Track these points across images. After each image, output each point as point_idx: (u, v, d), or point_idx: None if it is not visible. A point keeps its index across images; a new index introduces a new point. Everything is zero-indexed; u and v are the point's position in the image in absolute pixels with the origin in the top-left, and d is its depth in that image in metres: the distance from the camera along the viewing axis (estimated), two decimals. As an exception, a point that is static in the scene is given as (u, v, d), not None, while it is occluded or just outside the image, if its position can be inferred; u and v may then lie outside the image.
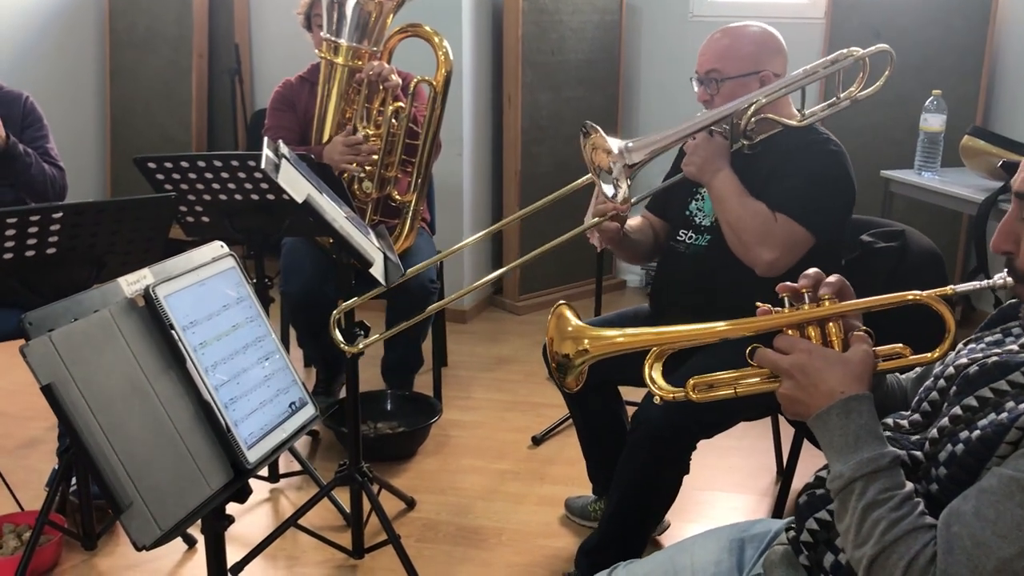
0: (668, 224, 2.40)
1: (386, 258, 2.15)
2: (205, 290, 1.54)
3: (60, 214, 2.09)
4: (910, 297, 1.30)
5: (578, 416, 2.54)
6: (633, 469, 2.12)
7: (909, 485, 1.19)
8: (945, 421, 1.24)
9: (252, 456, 1.49)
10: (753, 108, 2.06)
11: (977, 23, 3.79)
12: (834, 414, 1.23)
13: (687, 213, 2.32)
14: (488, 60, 4.21)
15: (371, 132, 2.91)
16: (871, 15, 3.93)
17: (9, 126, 2.71)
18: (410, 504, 2.71)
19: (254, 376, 1.57)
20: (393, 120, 2.90)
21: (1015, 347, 1.27)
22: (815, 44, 4.03)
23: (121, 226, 2.20)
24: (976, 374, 1.24)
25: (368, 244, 2.12)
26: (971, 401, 1.21)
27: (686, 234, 2.30)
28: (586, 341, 1.40)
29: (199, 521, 1.54)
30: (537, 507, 2.73)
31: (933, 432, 1.26)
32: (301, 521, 2.44)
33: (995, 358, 1.24)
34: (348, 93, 2.95)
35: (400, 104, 2.91)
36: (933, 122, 3.39)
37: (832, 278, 1.35)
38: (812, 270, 1.35)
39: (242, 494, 1.52)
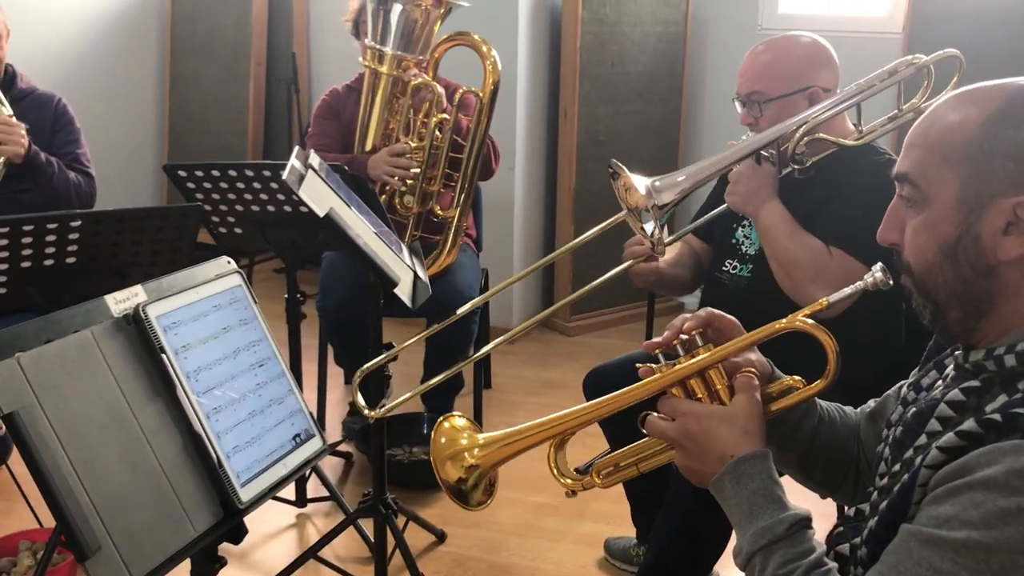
0: (712, 250, 2.22)
1: (415, 278, 2.02)
2: (205, 310, 1.43)
3: (79, 222, 2.01)
4: (778, 327, 1.15)
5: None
6: (676, 515, 1.94)
7: (818, 549, 1.03)
8: (875, 495, 1.08)
9: (245, 495, 1.36)
10: (802, 130, 1.87)
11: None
12: (726, 482, 1.09)
13: (733, 241, 2.13)
14: (544, 72, 4.08)
15: (414, 144, 2.79)
16: (952, 29, 3.68)
17: (39, 130, 2.65)
18: (440, 537, 2.56)
19: (253, 405, 1.44)
20: (437, 132, 2.78)
21: (941, 385, 1.09)
22: (892, 59, 3.79)
23: (143, 236, 2.12)
24: (902, 435, 1.07)
25: (396, 262, 1.99)
26: (896, 467, 1.05)
27: (731, 264, 2.11)
28: (466, 456, 1.28)
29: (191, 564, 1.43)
30: (575, 546, 2.56)
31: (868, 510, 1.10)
32: (326, 549, 2.32)
33: (913, 409, 1.08)
34: (392, 103, 2.84)
35: (444, 116, 2.78)
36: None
37: (700, 313, 1.20)
38: (678, 318, 1.20)
39: (236, 535, 1.40)
